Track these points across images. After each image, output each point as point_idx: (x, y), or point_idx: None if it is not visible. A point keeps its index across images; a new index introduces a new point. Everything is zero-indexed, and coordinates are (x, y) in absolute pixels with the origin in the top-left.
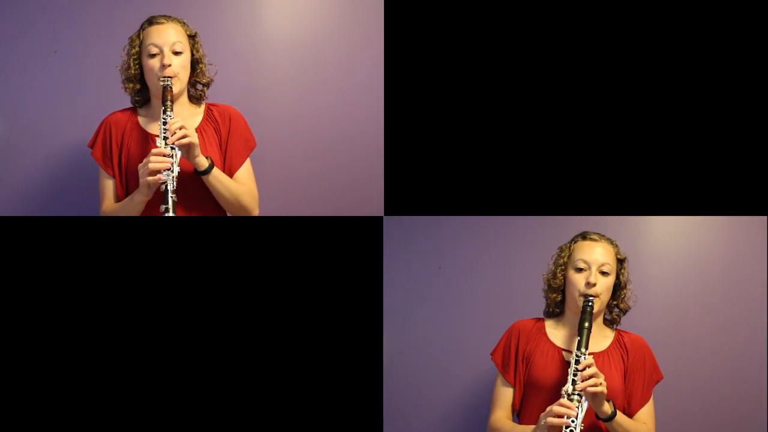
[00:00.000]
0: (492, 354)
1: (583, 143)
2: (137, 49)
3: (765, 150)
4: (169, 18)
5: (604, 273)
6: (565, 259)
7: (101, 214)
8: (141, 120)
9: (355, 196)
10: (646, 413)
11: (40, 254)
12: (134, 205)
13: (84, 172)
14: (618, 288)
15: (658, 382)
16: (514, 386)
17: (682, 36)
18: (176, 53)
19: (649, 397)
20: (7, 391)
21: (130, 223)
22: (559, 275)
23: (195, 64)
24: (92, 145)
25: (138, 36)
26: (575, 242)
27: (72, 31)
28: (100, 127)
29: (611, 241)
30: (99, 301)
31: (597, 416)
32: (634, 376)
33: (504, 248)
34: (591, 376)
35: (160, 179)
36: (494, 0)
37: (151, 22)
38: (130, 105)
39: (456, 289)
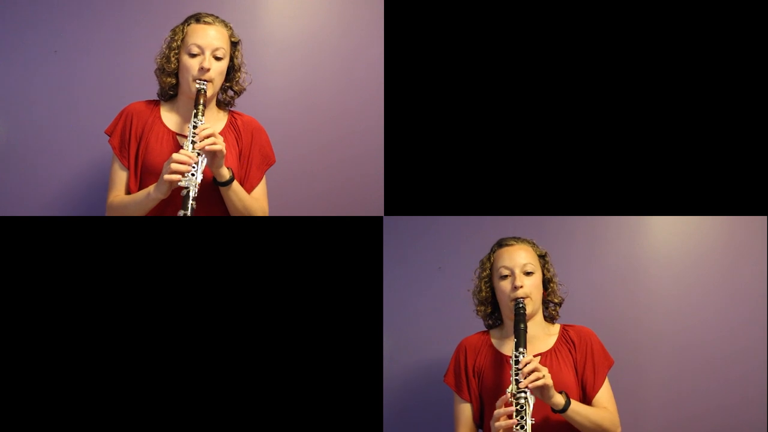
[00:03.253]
0: (445, 377)
1: (584, 143)
2: (179, 43)
3: (765, 150)
4: (216, 19)
5: (528, 273)
6: (488, 271)
7: (108, 204)
8: (164, 115)
9: (355, 196)
10: (604, 398)
11: (40, 254)
12: (148, 202)
13: (84, 171)
14: (547, 283)
15: (609, 367)
16: (470, 402)
17: (682, 36)
18: (217, 58)
19: (603, 382)
20: (13, 393)
21: (130, 223)
22: (484, 288)
23: (232, 71)
24: (110, 133)
25: (182, 30)
26: (493, 252)
27: (72, 31)
28: (120, 116)
29: (528, 241)
30: (98, 301)
31: (553, 409)
32: (584, 365)
33: None
34: (532, 372)
35: (178, 179)
36: (494, 0)
37: (198, 19)
38: (131, 98)
39: (456, 289)
